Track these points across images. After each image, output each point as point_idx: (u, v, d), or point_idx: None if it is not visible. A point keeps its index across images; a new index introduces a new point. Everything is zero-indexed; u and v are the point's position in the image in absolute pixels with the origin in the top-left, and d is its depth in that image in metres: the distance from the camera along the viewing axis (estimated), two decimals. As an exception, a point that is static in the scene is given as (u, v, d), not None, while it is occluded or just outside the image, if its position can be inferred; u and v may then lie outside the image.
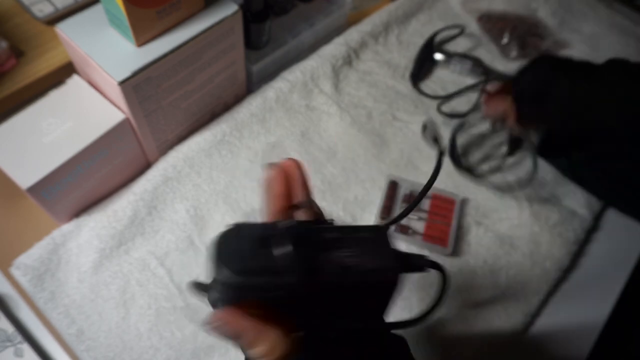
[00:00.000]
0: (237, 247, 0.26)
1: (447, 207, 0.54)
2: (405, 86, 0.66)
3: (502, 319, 0.50)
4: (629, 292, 0.55)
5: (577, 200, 0.57)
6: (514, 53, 0.70)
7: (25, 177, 0.42)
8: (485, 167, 0.59)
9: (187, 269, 0.49)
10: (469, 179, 0.57)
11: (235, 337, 0.25)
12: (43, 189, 0.43)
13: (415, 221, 0.54)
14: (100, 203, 0.51)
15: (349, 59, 0.67)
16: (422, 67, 0.67)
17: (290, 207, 0.29)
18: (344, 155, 0.58)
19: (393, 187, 0.56)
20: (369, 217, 0.54)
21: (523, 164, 0.59)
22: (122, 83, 0.42)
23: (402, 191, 0.55)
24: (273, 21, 0.62)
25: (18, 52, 0.54)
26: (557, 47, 0.71)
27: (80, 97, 0.47)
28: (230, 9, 0.48)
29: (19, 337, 0.45)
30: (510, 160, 0.59)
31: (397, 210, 0.54)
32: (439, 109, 0.64)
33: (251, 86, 0.62)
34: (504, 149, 0.58)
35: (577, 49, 0.71)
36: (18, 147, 0.44)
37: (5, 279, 0.48)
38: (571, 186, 0.58)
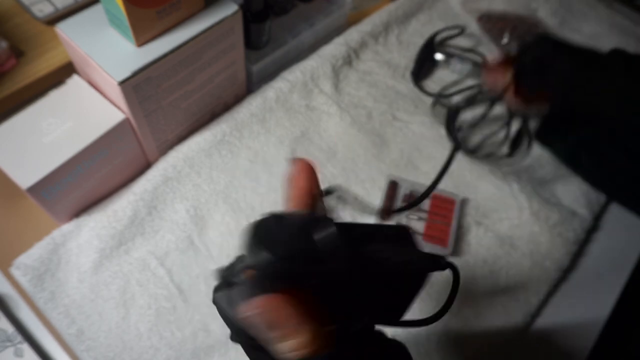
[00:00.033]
0: (278, 233, 0.25)
1: (447, 207, 0.54)
2: (406, 86, 0.66)
3: (502, 319, 0.50)
4: (629, 292, 0.55)
5: (577, 200, 0.57)
6: (514, 53, 0.70)
7: (25, 177, 0.42)
8: (483, 148, 0.59)
9: (187, 269, 0.49)
10: (466, 154, 0.58)
11: (270, 327, 0.24)
12: (43, 189, 0.43)
13: (415, 221, 0.54)
14: (100, 203, 0.51)
15: (349, 59, 0.67)
16: (423, 67, 0.67)
17: (313, 202, 0.29)
18: (344, 155, 0.58)
19: (393, 187, 0.56)
20: (369, 217, 0.54)
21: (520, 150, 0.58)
22: (122, 83, 0.42)
23: (402, 191, 0.55)
24: (273, 21, 0.62)
25: (18, 52, 0.54)
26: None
27: (80, 97, 0.47)
28: (230, 9, 0.48)
29: (18, 337, 0.45)
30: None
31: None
32: (434, 105, 0.64)
33: (251, 86, 0.62)
34: (502, 134, 0.57)
35: (577, 49, 0.71)
36: (18, 147, 0.44)
37: (5, 279, 0.48)
38: (571, 186, 0.58)
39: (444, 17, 0.75)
